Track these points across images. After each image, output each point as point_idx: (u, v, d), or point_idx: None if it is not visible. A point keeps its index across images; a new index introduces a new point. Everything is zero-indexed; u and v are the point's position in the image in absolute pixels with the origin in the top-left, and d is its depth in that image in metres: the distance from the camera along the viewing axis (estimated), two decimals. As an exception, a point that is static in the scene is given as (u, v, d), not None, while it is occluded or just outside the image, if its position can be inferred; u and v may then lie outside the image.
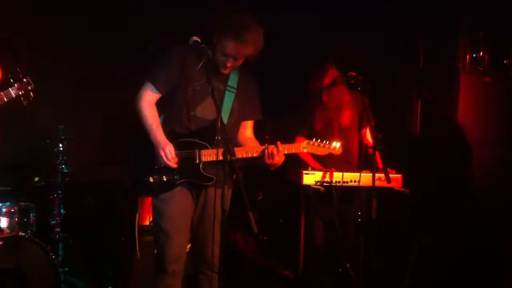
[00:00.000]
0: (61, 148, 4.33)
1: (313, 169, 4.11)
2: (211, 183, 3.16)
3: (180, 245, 3.22)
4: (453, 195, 4.64)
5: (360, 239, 4.25)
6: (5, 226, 3.99)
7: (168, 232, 3.17)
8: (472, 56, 4.84)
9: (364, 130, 4.37)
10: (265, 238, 5.45)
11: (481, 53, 4.90)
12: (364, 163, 4.27)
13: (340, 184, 4.06)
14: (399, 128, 5.20)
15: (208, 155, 3.11)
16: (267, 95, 3.48)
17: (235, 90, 3.23)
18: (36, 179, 4.42)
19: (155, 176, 3.17)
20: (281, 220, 5.54)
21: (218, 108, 2.99)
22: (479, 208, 4.52)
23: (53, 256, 3.94)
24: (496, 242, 4.46)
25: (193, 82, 3.15)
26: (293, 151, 3.19)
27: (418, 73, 5.15)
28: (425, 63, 5.08)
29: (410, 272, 4.41)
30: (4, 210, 4.02)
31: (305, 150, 3.20)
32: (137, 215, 4.17)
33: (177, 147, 3.15)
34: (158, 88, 3.18)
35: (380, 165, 3.71)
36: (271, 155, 3.10)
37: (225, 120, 3.15)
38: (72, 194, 4.59)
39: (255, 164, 3.27)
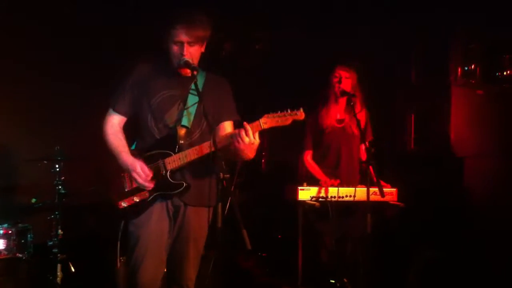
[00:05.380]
0: (58, 169, 4.35)
1: (309, 184, 4.13)
2: (180, 189, 3.03)
3: (153, 272, 3.07)
4: (449, 209, 4.65)
5: (358, 254, 4.28)
6: (3, 247, 4.02)
7: (141, 258, 3.04)
8: (464, 69, 4.84)
9: (361, 145, 4.40)
10: (263, 254, 5.45)
11: (472, 66, 4.90)
12: (361, 178, 4.30)
13: (335, 199, 4.07)
14: (392, 143, 5.23)
15: (173, 161, 3.01)
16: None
17: (198, 94, 3.02)
18: (33, 200, 4.44)
19: (126, 200, 3.07)
20: (279, 236, 5.55)
21: (179, 114, 3.01)
22: (475, 220, 4.52)
23: (51, 277, 3.94)
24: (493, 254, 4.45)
25: (156, 93, 3.09)
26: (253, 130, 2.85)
27: (410, 86, 5.18)
28: (417, 76, 5.11)
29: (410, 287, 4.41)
30: (1, 231, 4.05)
31: (265, 126, 2.85)
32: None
33: (144, 162, 3.05)
34: (119, 112, 3.14)
35: (375, 179, 3.74)
36: (239, 136, 2.82)
37: (188, 125, 3.07)
38: (70, 215, 4.59)
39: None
